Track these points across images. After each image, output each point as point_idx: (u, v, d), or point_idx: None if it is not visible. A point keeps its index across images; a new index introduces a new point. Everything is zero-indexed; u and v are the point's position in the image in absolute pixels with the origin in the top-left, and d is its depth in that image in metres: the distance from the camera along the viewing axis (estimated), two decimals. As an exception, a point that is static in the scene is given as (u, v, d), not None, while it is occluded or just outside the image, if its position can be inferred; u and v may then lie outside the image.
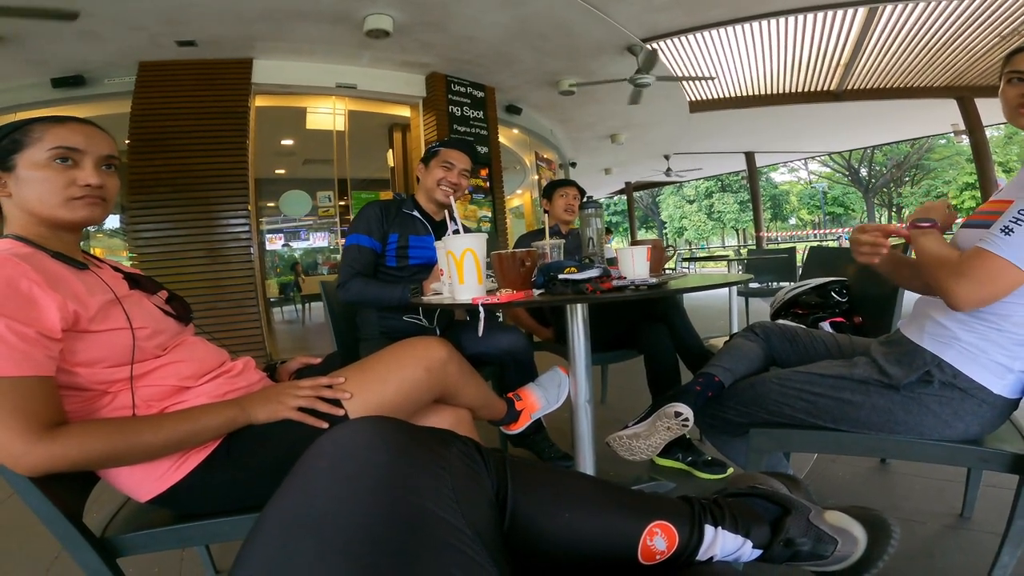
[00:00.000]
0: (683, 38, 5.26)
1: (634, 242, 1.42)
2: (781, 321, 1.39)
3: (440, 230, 1.76)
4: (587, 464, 1.36)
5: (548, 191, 2.43)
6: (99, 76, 4.31)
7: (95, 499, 0.95)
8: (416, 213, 1.75)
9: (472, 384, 1.13)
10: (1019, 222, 0.84)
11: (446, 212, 1.30)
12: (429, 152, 1.77)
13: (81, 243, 0.94)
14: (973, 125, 7.35)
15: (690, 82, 6.65)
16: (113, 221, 5.13)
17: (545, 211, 2.38)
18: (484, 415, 1.21)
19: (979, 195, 8.50)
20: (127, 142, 4.17)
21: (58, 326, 0.72)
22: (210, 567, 1.36)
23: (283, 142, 5.56)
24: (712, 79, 5.70)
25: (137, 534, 0.84)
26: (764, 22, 5.10)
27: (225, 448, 0.86)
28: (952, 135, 10.62)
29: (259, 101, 4.82)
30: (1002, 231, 0.85)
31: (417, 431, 0.56)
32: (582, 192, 2.43)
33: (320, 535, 0.44)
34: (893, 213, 24.12)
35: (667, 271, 1.73)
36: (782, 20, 5.15)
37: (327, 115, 5.32)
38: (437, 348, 1.03)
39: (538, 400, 1.34)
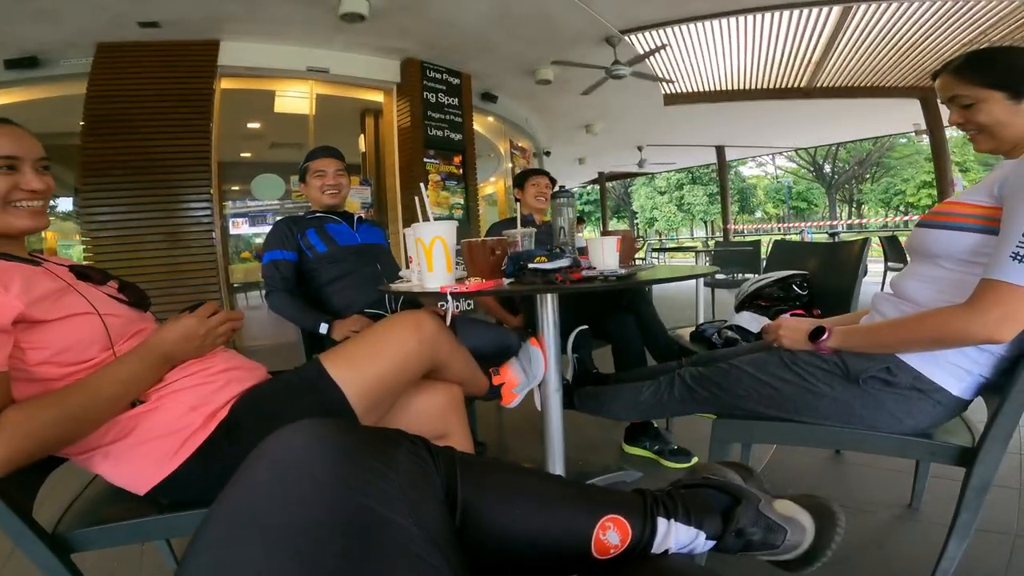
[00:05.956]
0: (659, 31, 5.28)
1: (605, 232, 1.43)
2: (746, 312, 1.41)
3: (349, 220, 1.85)
4: (557, 453, 1.37)
5: (520, 180, 2.39)
6: (55, 58, 4.12)
7: (51, 492, 0.91)
8: (319, 214, 1.84)
9: (460, 357, 1.15)
10: None
11: (416, 200, 1.29)
12: (300, 170, 1.88)
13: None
14: (934, 125, 7.51)
15: (664, 76, 6.69)
16: (66, 204, 4.90)
17: (517, 200, 2.36)
18: (469, 389, 1.22)
19: (935, 193, 8.82)
20: (81, 123, 3.98)
21: (7, 317, 0.70)
22: (172, 560, 1.32)
23: (249, 125, 5.37)
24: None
25: (90, 529, 0.81)
26: (741, 17, 5.15)
27: (224, 431, 0.84)
28: (913, 134, 10.99)
29: (225, 83, 4.64)
30: (1012, 258, 0.80)
31: (363, 431, 0.56)
32: (553, 181, 2.40)
33: (265, 536, 0.43)
34: (853, 208, 24.94)
35: (637, 261, 1.75)
36: (759, 16, 5.20)
37: (297, 99, 5.14)
38: (428, 320, 1.03)
39: (516, 375, 1.33)
